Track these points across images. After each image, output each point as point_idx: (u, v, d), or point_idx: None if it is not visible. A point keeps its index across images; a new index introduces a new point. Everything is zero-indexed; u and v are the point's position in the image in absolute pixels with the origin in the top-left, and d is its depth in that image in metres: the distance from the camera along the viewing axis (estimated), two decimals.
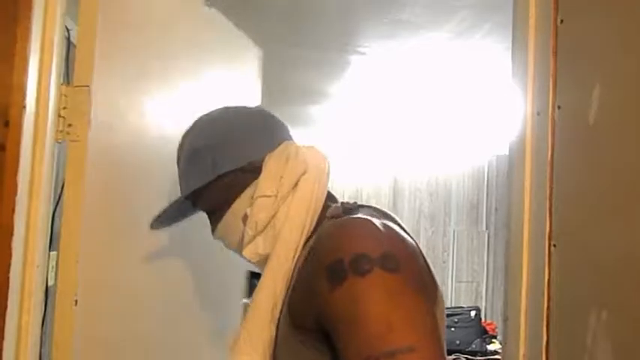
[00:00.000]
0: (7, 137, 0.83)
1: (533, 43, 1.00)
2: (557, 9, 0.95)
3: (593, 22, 0.88)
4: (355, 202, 0.92)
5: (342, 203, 0.92)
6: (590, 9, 0.89)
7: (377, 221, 0.80)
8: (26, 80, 0.85)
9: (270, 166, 0.90)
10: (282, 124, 1.00)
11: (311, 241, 0.86)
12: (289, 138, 0.99)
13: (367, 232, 0.77)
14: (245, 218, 0.90)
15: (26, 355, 0.86)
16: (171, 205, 0.93)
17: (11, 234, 0.83)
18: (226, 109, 0.97)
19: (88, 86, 0.91)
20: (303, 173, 0.91)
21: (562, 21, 0.95)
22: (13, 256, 0.83)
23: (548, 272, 0.92)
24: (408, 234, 0.85)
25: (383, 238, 0.77)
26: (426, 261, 0.83)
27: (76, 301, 0.91)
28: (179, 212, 0.97)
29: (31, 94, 0.85)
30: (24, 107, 0.85)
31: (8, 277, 0.83)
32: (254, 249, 0.89)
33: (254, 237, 0.89)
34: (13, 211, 0.83)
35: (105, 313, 0.94)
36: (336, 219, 0.84)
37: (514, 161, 1.03)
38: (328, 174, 0.95)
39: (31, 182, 0.87)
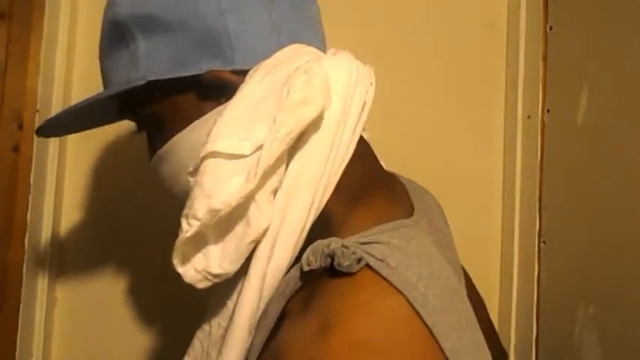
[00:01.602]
0: (21, 139, 0.84)
1: (524, 49, 1.00)
2: (546, 16, 0.96)
3: (581, 28, 0.89)
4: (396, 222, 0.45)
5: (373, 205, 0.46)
6: (578, 16, 0.90)
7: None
8: (39, 85, 0.86)
9: (255, 88, 0.44)
10: None
11: (295, 273, 0.44)
12: (312, 36, 0.51)
13: None
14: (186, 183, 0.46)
15: (39, 348, 0.87)
16: (82, 105, 0.52)
17: (25, 231, 0.84)
18: None
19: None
20: (320, 114, 0.43)
21: (551, 28, 0.95)
22: (27, 252, 0.84)
23: (538, 268, 0.92)
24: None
25: None
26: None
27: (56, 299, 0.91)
28: (98, 115, 0.58)
29: (43, 98, 0.86)
30: (37, 111, 0.86)
31: (22, 273, 0.83)
32: (203, 263, 0.44)
33: (200, 236, 0.44)
34: (27, 209, 0.84)
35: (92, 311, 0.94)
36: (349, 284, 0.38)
37: (506, 162, 1.03)
38: (365, 111, 0.48)
39: (44, 182, 0.88)
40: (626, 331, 0.75)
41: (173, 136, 0.49)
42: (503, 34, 1.05)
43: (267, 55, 0.46)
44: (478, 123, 1.03)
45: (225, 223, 0.43)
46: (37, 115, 0.85)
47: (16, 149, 0.84)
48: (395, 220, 0.45)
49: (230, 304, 0.47)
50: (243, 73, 0.46)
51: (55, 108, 0.89)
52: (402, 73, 0.97)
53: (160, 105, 0.49)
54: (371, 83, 0.48)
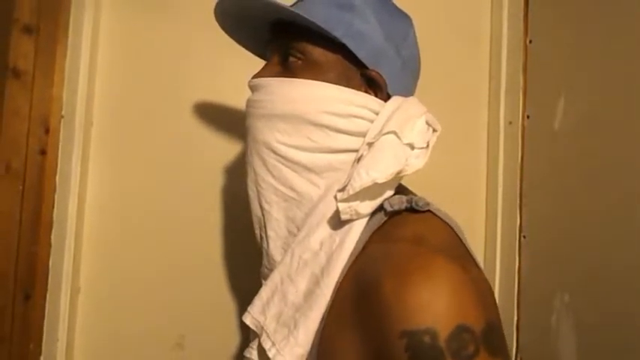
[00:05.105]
0: (47, 143, 0.84)
1: (506, 61, 1.01)
2: (526, 30, 0.96)
3: (558, 41, 0.89)
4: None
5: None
6: (555, 30, 0.90)
7: (469, 258, 0.51)
8: (63, 93, 0.86)
9: (411, 111, 0.56)
10: None
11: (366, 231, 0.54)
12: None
13: (466, 287, 0.45)
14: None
15: (64, 333, 0.87)
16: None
17: (51, 228, 0.84)
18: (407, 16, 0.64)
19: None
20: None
21: (531, 41, 0.95)
22: (53, 247, 0.84)
23: (519, 260, 0.93)
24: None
25: (484, 295, 0.47)
26: None
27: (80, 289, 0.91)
28: (244, 22, 0.64)
29: (67, 105, 0.86)
30: (62, 117, 0.86)
31: (48, 265, 0.84)
32: (355, 205, 0.53)
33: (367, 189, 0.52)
34: (53, 207, 0.84)
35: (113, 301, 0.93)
36: (404, 233, 0.51)
37: (490, 163, 1.04)
38: None
39: (68, 182, 0.88)
40: (598, 315, 0.75)
41: (316, 79, 0.57)
42: (487, 46, 1.06)
43: (400, 90, 0.59)
44: (464, 128, 1.04)
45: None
46: (62, 120, 0.86)
47: (42, 152, 0.83)
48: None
49: (312, 239, 0.56)
50: (387, 95, 0.58)
51: (79, 114, 0.89)
52: None
53: (331, 58, 0.58)
54: None
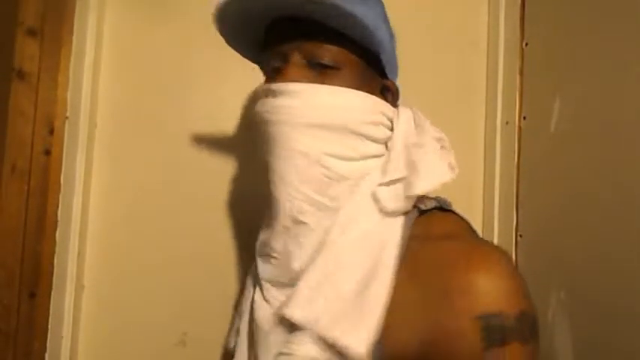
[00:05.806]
0: (52, 143, 0.84)
1: (503, 63, 1.01)
2: (522, 33, 0.96)
3: (553, 44, 0.89)
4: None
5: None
6: (551, 33, 0.91)
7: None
8: (68, 94, 0.86)
9: (424, 119, 0.61)
10: None
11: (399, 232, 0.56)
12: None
13: (518, 275, 0.52)
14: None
15: (68, 330, 0.87)
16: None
17: (56, 226, 0.84)
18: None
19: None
20: None
21: (527, 44, 0.96)
22: (57, 245, 0.85)
23: (515, 259, 0.93)
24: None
25: (525, 285, 0.53)
26: None
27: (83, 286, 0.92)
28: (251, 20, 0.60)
29: (72, 106, 0.87)
30: (66, 118, 0.86)
31: (53, 263, 0.84)
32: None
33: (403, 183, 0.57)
34: (57, 206, 0.84)
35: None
36: (457, 233, 0.56)
37: (487, 163, 1.04)
38: None
39: (72, 182, 0.88)
40: (594, 313, 0.75)
41: (348, 86, 0.57)
42: (484, 49, 1.06)
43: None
44: (461, 128, 1.04)
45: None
46: (66, 121, 0.86)
47: (47, 152, 0.84)
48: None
49: (350, 237, 0.56)
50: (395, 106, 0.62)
51: (83, 115, 0.89)
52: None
53: (359, 65, 0.58)
54: None
